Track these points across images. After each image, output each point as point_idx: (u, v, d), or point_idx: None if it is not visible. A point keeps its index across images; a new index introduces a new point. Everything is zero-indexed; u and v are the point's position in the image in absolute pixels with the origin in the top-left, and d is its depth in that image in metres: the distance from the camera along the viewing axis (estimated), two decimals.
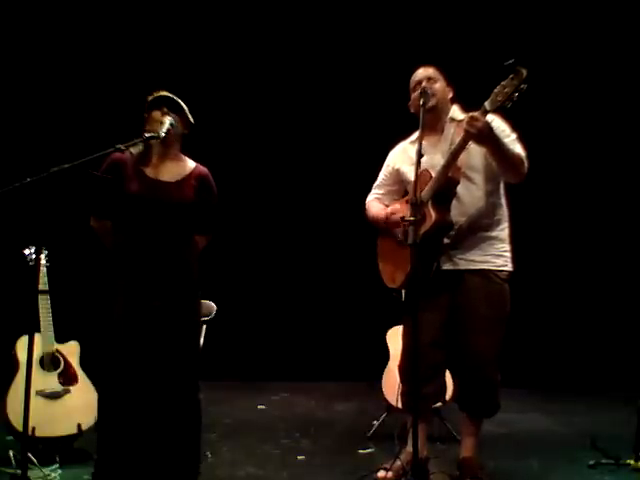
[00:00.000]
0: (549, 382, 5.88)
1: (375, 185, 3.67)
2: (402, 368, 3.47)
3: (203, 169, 3.25)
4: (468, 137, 3.13)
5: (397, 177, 3.55)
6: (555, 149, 6.03)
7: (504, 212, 3.41)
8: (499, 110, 3.12)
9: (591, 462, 3.70)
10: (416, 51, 5.55)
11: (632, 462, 3.63)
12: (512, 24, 6.01)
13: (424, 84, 3.32)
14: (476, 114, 3.11)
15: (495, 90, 3.05)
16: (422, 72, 3.41)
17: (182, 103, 3.17)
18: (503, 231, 3.39)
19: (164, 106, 3.13)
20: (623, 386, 4.95)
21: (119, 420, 3.01)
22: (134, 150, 3.05)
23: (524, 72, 2.98)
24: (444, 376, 3.44)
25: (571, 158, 6.11)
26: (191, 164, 3.24)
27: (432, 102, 3.30)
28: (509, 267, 3.38)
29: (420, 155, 3.09)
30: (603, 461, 3.69)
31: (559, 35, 5.97)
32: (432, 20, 6.12)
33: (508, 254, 3.39)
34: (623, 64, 6.02)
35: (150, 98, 3.18)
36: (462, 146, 3.17)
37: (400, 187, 3.57)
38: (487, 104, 3.08)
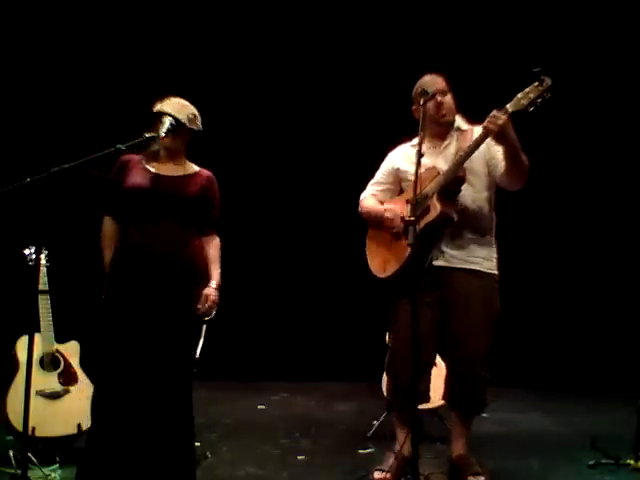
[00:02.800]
0: (549, 382, 5.87)
1: (372, 182, 3.68)
2: (391, 366, 3.47)
3: (208, 172, 3.33)
4: (488, 133, 3.15)
5: (396, 176, 3.58)
6: (550, 151, 6.04)
7: (494, 221, 3.50)
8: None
9: (591, 462, 3.70)
10: (412, 56, 5.57)
11: (632, 462, 3.63)
12: (505, 30, 6.02)
13: (438, 98, 3.36)
14: (497, 113, 3.13)
15: (518, 95, 3.10)
16: (435, 82, 3.41)
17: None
18: (492, 237, 3.49)
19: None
20: (623, 386, 4.95)
21: (112, 422, 3.00)
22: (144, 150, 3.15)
23: (549, 81, 3.04)
24: (430, 374, 3.45)
25: (569, 156, 6.11)
26: (195, 167, 3.32)
27: (449, 117, 3.41)
28: (496, 271, 3.46)
29: (420, 155, 3.10)
30: (603, 461, 3.69)
31: (548, 36, 5.97)
32: (430, 26, 6.10)
33: (495, 260, 3.48)
34: (592, 74, 5.98)
35: (161, 106, 3.20)
36: (478, 144, 3.20)
37: (397, 186, 3.61)
38: (509, 106, 3.11)
